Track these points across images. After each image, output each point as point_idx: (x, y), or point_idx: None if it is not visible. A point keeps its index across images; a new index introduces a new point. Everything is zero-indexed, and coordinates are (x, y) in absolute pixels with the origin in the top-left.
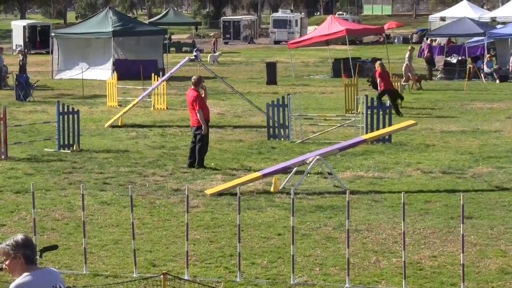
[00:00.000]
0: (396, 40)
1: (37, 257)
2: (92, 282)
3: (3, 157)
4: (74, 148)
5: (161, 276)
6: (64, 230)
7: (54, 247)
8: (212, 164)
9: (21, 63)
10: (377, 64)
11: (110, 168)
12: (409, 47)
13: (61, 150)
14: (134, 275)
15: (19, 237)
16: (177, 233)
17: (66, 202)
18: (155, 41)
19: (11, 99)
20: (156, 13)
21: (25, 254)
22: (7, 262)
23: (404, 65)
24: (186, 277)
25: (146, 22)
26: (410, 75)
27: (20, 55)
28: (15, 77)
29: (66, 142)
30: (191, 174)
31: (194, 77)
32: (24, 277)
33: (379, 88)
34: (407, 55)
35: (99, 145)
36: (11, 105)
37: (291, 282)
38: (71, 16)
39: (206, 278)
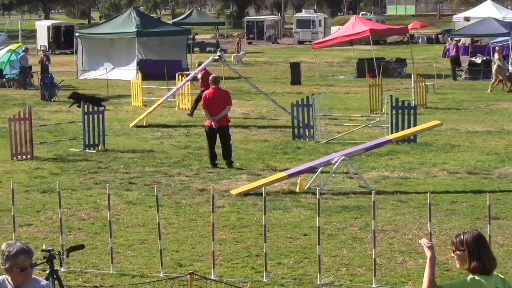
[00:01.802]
0: (420, 40)
1: (64, 256)
2: (119, 282)
3: (29, 156)
4: (100, 148)
5: (188, 276)
6: (90, 229)
7: (81, 246)
8: (238, 164)
9: (44, 62)
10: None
11: (136, 168)
12: (497, 48)
13: (86, 150)
14: (160, 275)
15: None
16: (203, 233)
17: (92, 201)
18: (178, 41)
19: (36, 99)
20: (179, 13)
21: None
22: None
23: (495, 66)
24: (212, 277)
25: (170, 22)
26: (501, 76)
27: (42, 54)
28: (39, 77)
29: (92, 142)
30: (216, 174)
31: (213, 76)
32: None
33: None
34: (497, 57)
35: (124, 145)
36: (37, 105)
37: (318, 282)
38: (95, 16)
39: (233, 278)
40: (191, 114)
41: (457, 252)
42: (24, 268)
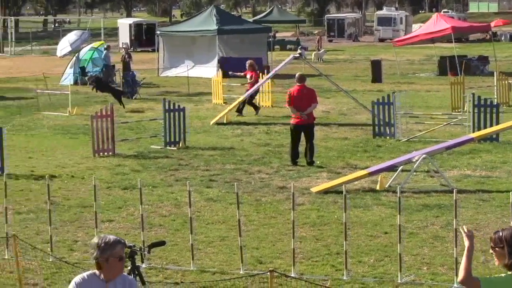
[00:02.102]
0: (503, 38)
1: (146, 252)
2: (199, 278)
3: (111, 153)
4: (180, 145)
5: (268, 273)
6: (171, 226)
7: (162, 243)
8: (318, 162)
9: (125, 60)
10: (250, 63)
11: (216, 165)
12: None
13: (167, 147)
14: (241, 272)
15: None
16: (283, 230)
17: (173, 198)
18: (259, 39)
19: None
20: (260, 11)
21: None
22: None
23: None
24: (292, 275)
25: (251, 20)
26: None
27: (124, 52)
28: (121, 74)
29: (172, 139)
30: (296, 172)
31: (299, 74)
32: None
33: (248, 88)
34: None
35: (205, 142)
36: (118, 102)
37: (398, 281)
38: (176, 14)
39: (313, 275)
40: (239, 112)
41: (496, 249)
42: (121, 258)
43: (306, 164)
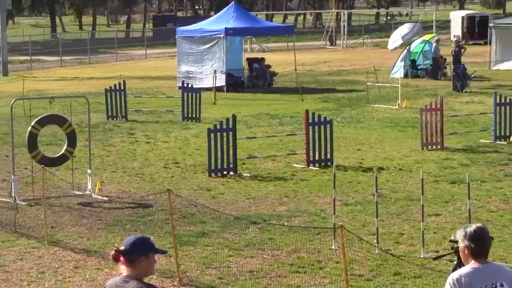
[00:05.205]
0: None
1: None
2: None
3: (439, 147)
4: (511, 139)
5: None
6: (498, 222)
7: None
8: None
9: (454, 53)
10: None
11: None
12: None
13: (497, 142)
14: None
15: (472, 227)
16: None
17: (501, 194)
18: None
19: (448, 90)
20: None
21: (470, 246)
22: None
23: None
24: None
25: None
26: None
27: (453, 45)
28: (452, 67)
29: (503, 134)
30: None
31: None
32: (464, 268)
33: None
34: None
35: None
36: (448, 96)
37: None
38: (510, 5)
39: None
40: None
41: None
42: None
43: None
